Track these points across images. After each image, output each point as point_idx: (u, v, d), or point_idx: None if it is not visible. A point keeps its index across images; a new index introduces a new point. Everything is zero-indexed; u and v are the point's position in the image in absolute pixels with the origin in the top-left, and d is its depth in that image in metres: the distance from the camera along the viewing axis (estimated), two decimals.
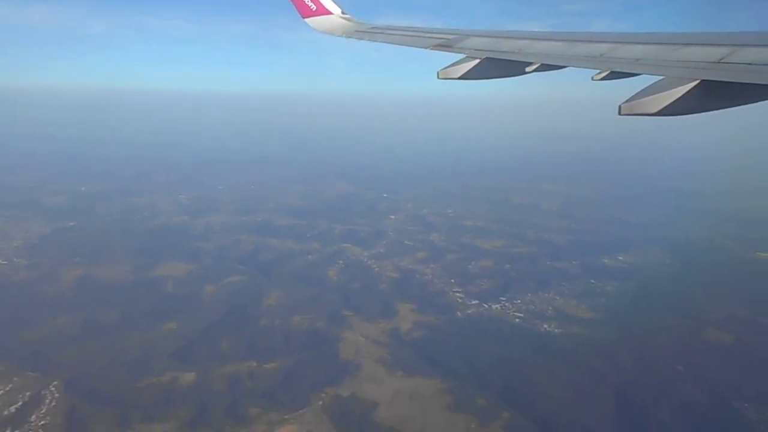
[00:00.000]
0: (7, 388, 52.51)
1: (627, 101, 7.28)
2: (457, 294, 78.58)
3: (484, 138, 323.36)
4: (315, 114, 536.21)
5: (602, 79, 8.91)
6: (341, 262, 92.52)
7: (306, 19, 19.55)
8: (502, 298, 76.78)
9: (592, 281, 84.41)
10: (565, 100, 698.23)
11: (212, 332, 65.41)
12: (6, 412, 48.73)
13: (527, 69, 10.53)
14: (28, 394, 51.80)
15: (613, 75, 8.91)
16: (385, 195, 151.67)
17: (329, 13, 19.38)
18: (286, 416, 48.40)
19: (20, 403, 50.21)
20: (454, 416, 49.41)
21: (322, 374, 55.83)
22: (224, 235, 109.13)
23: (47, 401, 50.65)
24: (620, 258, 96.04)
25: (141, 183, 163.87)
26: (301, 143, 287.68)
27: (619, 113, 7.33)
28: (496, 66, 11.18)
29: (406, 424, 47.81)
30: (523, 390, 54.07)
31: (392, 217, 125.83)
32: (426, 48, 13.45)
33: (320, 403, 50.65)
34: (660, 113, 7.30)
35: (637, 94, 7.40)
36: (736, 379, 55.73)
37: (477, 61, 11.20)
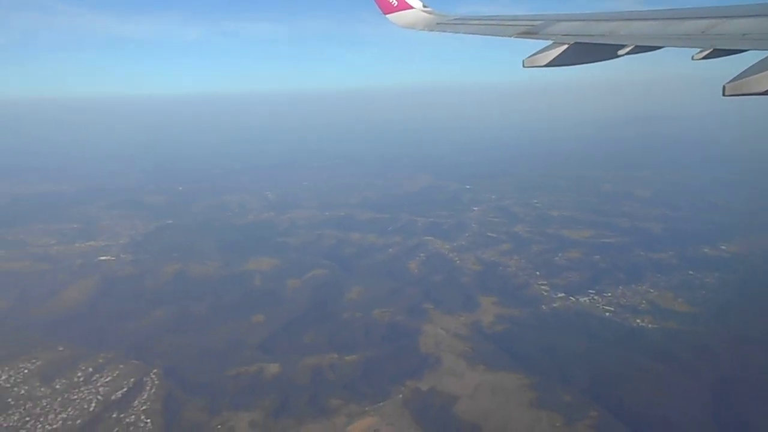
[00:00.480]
0: (114, 375, 56.68)
1: (732, 80, 6.55)
2: (542, 286, 75.91)
3: (572, 124, 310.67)
4: (396, 108, 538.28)
5: (704, 58, 8.28)
6: (422, 255, 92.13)
7: (388, 16, 19.61)
8: (590, 291, 73.30)
9: (691, 272, 78.56)
10: (660, 81, 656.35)
11: (296, 325, 67.25)
12: (113, 397, 52.61)
13: (619, 52, 10.02)
14: (132, 380, 55.64)
15: (716, 53, 8.23)
16: (467, 186, 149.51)
17: (410, 7, 19.42)
18: (366, 408, 48.79)
19: (125, 389, 54.01)
20: (538, 413, 47.69)
21: (402, 367, 55.78)
22: (308, 230, 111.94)
23: (148, 388, 54.13)
24: (723, 247, 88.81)
25: (231, 181, 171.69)
26: (383, 138, 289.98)
27: (724, 94, 6.76)
28: (586, 51, 10.78)
29: (487, 419, 46.76)
30: (612, 387, 51.24)
31: (475, 208, 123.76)
32: (510, 36, 13.11)
33: (400, 396, 50.62)
34: None
35: (743, 72, 6.64)
36: None
37: (565, 47, 10.85)
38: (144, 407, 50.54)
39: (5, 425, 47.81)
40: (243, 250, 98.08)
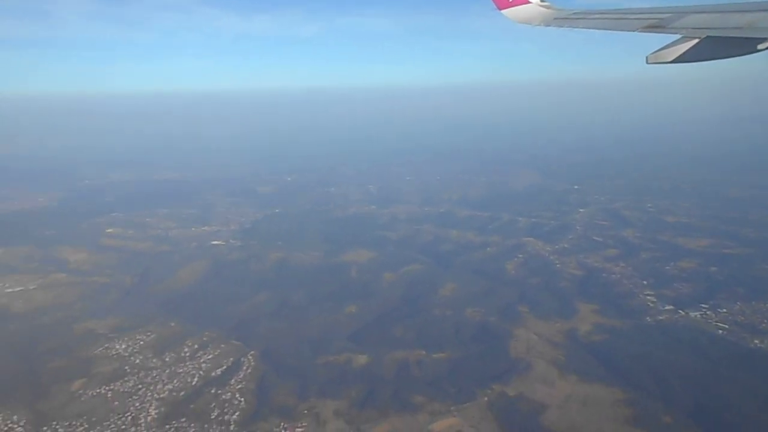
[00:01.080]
0: (216, 353, 60.67)
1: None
2: (649, 297, 70.89)
3: (696, 122, 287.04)
4: (507, 104, 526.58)
5: None
6: (521, 255, 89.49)
7: (503, 11, 19.25)
8: (703, 306, 67.37)
9: None
10: None
11: (387, 318, 68.06)
12: (213, 374, 56.35)
13: (759, 46, 9.28)
14: (231, 359, 59.26)
15: None
16: (576, 187, 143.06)
17: (527, 2, 19.03)
18: (450, 408, 48.35)
19: (224, 367, 57.64)
20: (633, 431, 44.78)
21: (489, 370, 54.64)
22: (407, 224, 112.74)
23: (245, 368, 57.35)
24: None
25: (337, 174, 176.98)
26: (491, 134, 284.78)
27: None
28: (719, 45, 9.98)
29: None
30: (719, 411, 46.84)
31: (581, 210, 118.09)
32: (635, 30, 12.44)
33: (485, 399, 49.62)
34: None
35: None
36: None
37: (695, 41, 10.04)
38: (240, 386, 53.61)
39: (121, 390, 52.82)
40: (343, 242, 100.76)
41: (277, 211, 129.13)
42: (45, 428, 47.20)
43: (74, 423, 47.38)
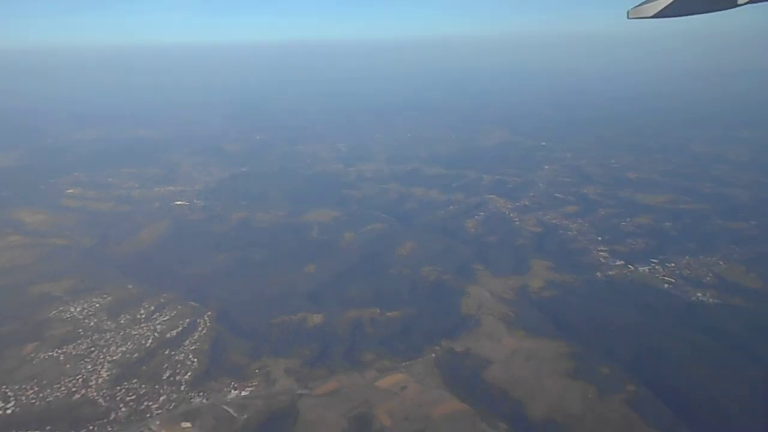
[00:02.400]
0: (172, 314, 60.92)
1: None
2: (602, 253, 72.55)
3: (673, 79, 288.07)
4: (483, 58, 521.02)
5: None
6: (482, 213, 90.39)
7: None
8: (653, 261, 69.27)
9: None
10: None
11: (345, 277, 68.80)
12: (168, 336, 56.65)
13: (739, 1, 9.23)
14: (187, 321, 59.55)
15: None
16: (543, 143, 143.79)
17: None
18: (398, 365, 49.61)
19: (180, 329, 57.97)
20: (572, 383, 46.45)
21: (440, 327, 55.89)
22: (373, 183, 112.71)
23: (200, 329, 57.79)
24: None
25: (307, 132, 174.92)
26: (465, 89, 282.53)
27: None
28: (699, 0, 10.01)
29: (517, 386, 46.17)
30: (655, 363, 48.79)
31: (546, 167, 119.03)
32: None
33: (433, 355, 50.92)
34: None
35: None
36: None
37: None
38: (193, 347, 54.14)
39: (74, 353, 52.99)
40: (307, 201, 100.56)
41: (243, 170, 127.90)
42: None
43: (24, 386, 47.57)
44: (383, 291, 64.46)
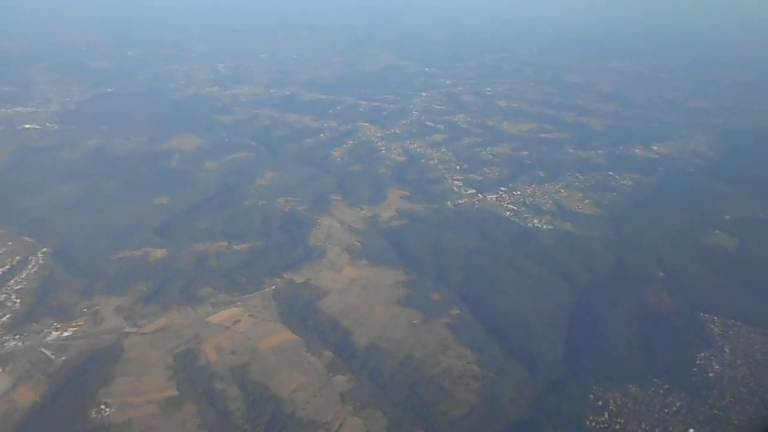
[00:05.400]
0: (1, 252, 56.96)
1: None
2: (456, 182, 75.15)
3: (565, 10, 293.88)
4: None
5: None
6: (351, 142, 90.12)
7: None
8: (501, 189, 72.80)
9: (611, 173, 77.91)
10: None
11: (197, 209, 67.05)
12: None
13: None
14: (17, 258, 56.03)
15: None
16: (426, 69, 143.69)
17: None
18: (234, 298, 49.81)
19: (7, 267, 54.49)
20: (400, 310, 48.84)
21: (285, 259, 56.32)
22: (247, 108, 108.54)
23: (30, 266, 54.62)
24: (654, 148, 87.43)
25: (186, 49, 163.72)
26: (363, 7, 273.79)
27: None
28: None
29: (347, 315, 47.90)
30: (481, 287, 52.31)
31: (423, 94, 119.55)
32: None
33: (273, 287, 51.46)
34: None
35: None
36: (715, 289, 51.37)
37: None
38: (19, 287, 51.24)
39: None
40: (172, 127, 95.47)
41: (108, 90, 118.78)
42: None
43: None
44: (234, 223, 63.64)
